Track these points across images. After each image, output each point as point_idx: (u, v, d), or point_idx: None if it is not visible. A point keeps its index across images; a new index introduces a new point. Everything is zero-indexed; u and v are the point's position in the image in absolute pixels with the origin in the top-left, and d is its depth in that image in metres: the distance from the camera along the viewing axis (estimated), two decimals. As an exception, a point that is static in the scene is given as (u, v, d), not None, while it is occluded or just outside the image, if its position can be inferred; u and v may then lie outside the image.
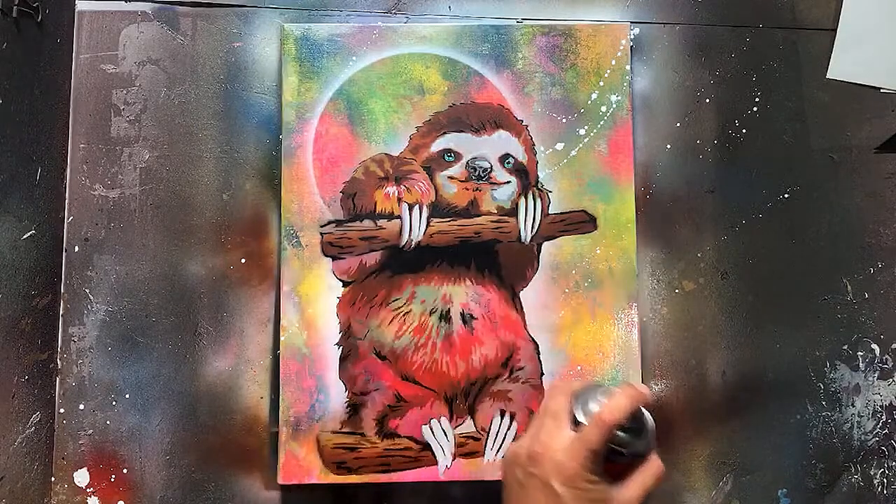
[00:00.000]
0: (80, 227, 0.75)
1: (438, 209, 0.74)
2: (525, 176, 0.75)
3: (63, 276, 0.75)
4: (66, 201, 0.75)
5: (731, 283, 0.77)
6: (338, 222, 0.74)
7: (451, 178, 0.75)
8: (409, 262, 0.74)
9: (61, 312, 0.75)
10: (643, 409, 0.58)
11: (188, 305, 0.75)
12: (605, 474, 0.55)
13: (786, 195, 0.78)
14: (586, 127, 0.75)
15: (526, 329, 0.74)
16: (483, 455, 0.73)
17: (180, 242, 0.76)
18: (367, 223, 0.74)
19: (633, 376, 0.73)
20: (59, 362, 0.74)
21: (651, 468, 0.57)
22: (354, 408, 0.73)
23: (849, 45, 0.78)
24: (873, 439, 0.76)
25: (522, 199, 0.75)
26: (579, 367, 0.74)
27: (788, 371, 0.77)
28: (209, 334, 0.75)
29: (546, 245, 0.75)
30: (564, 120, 0.75)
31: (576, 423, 0.56)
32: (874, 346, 0.77)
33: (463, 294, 0.74)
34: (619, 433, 0.55)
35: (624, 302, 0.74)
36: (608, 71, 0.76)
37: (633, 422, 0.56)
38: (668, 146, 0.78)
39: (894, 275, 0.77)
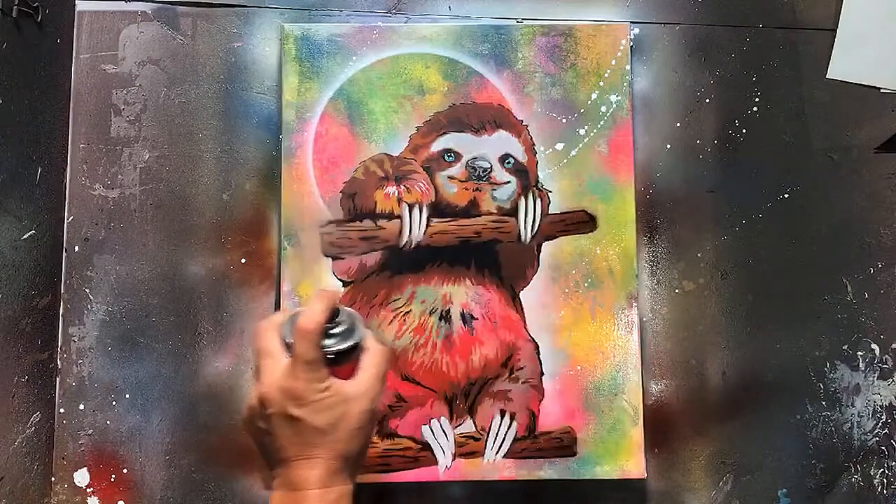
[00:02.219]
0: (80, 227, 0.75)
1: (438, 209, 0.74)
2: (525, 176, 0.75)
3: (63, 276, 0.75)
4: (66, 201, 0.75)
5: (731, 283, 0.77)
6: (338, 222, 0.74)
7: (451, 178, 0.75)
8: (409, 262, 0.74)
9: (61, 312, 0.75)
10: (341, 307, 0.57)
11: (188, 305, 0.75)
12: (338, 378, 0.55)
13: (786, 195, 0.78)
14: (586, 127, 0.75)
15: (526, 329, 0.74)
16: (483, 455, 0.73)
17: (180, 242, 0.76)
18: (367, 223, 0.74)
19: (633, 376, 0.73)
20: (59, 362, 0.74)
21: (375, 353, 0.57)
22: (354, 408, 0.73)
23: (849, 45, 0.78)
24: (873, 439, 0.76)
25: (522, 199, 0.75)
26: (579, 367, 0.74)
27: (788, 371, 0.77)
28: (209, 334, 0.75)
29: (546, 245, 0.75)
30: (564, 120, 0.75)
31: (290, 349, 0.55)
32: (874, 346, 0.77)
33: (463, 294, 0.74)
34: (326, 340, 0.55)
35: (624, 302, 0.74)
36: (608, 71, 0.76)
37: (337, 322, 0.56)
38: (668, 146, 0.78)
39: (894, 275, 0.77)
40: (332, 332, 0.55)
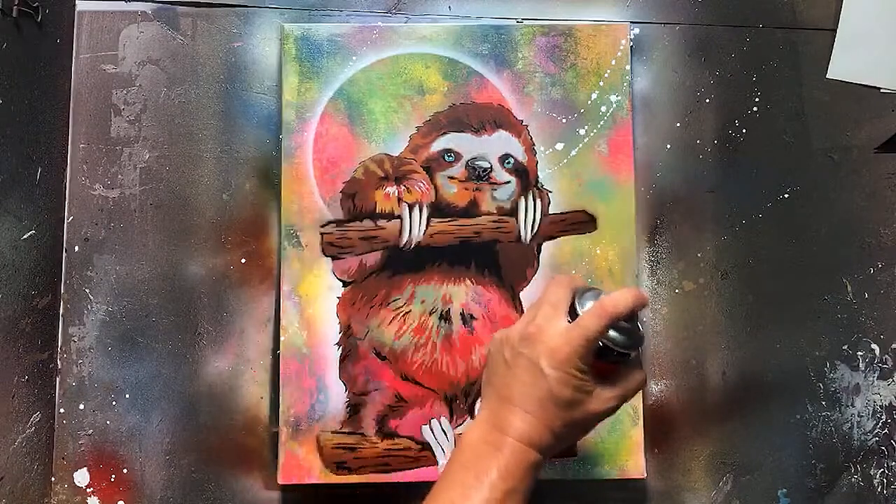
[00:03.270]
0: (80, 227, 0.75)
1: (438, 209, 0.74)
2: (525, 176, 0.75)
3: (63, 276, 0.75)
4: (66, 201, 0.75)
5: (731, 283, 0.77)
6: (338, 222, 0.74)
7: (451, 178, 0.75)
8: (409, 262, 0.74)
9: (61, 312, 0.75)
10: (639, 316, 0.58)
11: (188, 305, 0.75)
12: (591, 370, 0.55)
13: (786, 195, 0.78)
14: (586, 127, 0.75)
15: (526, 329, 0.74)
16: (483, 455, 0.73)
17: (180, 242, 0.76)
18: (367, 223, 0.74)
19: (633, 376, 0.73)
20: (59, 362, 0.74)
21: (634, 376, 0.58)
22: (354, 408, 0.73)
23: (849, 45, 0.78)
24: (873, 439, 0.76)
25: (522, 199, 0.75)
26: (579, 367, 0.74)
27: (788, 371, 0.77)
28: (209, 334, 0.75)
29: (546, 245, 0.75)
30: (564, 120, 0.75)
31: (573, 317, 0.56)
32: (874, 346, 0.77)
33: (463, 294, 0.74)
34: (612, 332, 0.55)
35: (624, 302, 0.74)
36: (608, 71, 0.76)
37: (628, 323, 0.56)
38: (668, 146, 0.78)
39: (894, 275, 0.77)
40: (619, 327, 0.56)
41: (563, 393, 0.54)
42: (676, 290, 0.77)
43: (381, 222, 0.74)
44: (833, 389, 0.76)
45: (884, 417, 0.76)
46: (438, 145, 0.75)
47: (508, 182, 0.75)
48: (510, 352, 0.56)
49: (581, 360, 0.54)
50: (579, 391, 0.55)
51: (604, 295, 0.57)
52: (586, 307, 0.56)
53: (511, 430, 0.54)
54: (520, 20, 0.78)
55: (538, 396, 0.54)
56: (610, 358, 0.56)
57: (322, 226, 0.74)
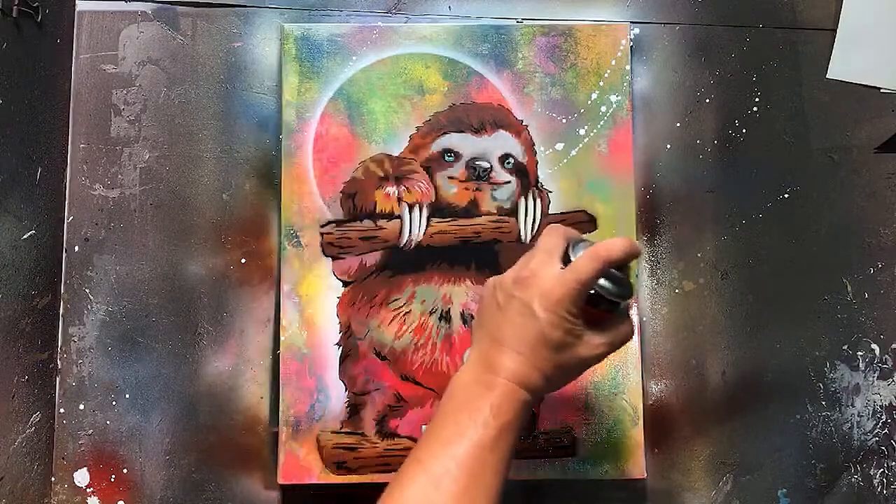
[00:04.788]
0: (80, 227, 0.75)
1: (438, 209, 0.74)
2: (525, 176, 0.75)
3: (63, 276, 0.75)
4: (66, 201, 0.75)
5: (731, 283, 0.77)
6: (338, 222, 0.74)
7: (451, 178, 0.75)
8: (409, 262, 0.74)
9: (61, 312, 0.75)
10: (630, 268, 0.59)
11: (188, 305, 0.75)
12: (582, 316, 0.56)
13: (786, 195, 0.78)
14: (586, 127, 0.75)
15: (526, 329, 0.74)
16: (483, 455, 0.73)
17: (180, 242, 0.76)
18: (367, 223, 0.74)
19: (633, 376, 0.73)
20: (59, 362, 0.74)
21: (623, 326, 0.58)
22: (354, 408, 0.73)
23: (849, 45, 0.78)
24: (873, 439, 0.76)
25: (522, 199, 0.75)
26: (579, 367, 0.74)
27: (788, 371, 0.77)
28: (209, 334, 0.75)
29: (546, 245, 0.75)
30: (564, 120, 0.75)
31: (567, 264, 0.57)
32: (874, 346, 0.77)
33: (463, 294, 0.74)
34: (604, 281, 0.56)
35: (624, 302, 0.74)
36: (608, 71, 0.76)
37: (619, 273, 0.57)
38: (668, 146, 0.78)
39: (894, 275, 0.77)
40: (611, 276, 0.56)
41: (553, 335, 0.55)
42: (676, 290, 0.77)
43: (381, 222, 0.74)
44: (833, 389, 0.76)
45: (884, 417, 0.76)
46: (438, 145, 0.75)
47: (508, 182, 0.75)
48: (503, 295, 0.57)
49: (573, 303, 0.55)
50: (570, 335, 0.55)
51: (595, 242, 0.58)
52: (579, 255, 0.57)
53: (502, 370, 0.55)
54: (520, 20, 0.78)
55: (529, 338, 0.55)
56: (601, 306, 0.57)
57: (322, 226, 0.74)
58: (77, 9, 0.77)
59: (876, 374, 0.76)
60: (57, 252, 0.74)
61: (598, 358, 0.57)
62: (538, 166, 0.75)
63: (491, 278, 0.59)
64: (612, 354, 0.73)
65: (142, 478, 0.74)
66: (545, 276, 0.56)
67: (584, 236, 0.61)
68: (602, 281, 0.56)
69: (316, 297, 0.73)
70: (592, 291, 0.56)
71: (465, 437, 0.53)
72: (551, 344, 0.55)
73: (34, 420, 0.71)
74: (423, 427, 0.73)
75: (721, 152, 0.78)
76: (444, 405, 0.56)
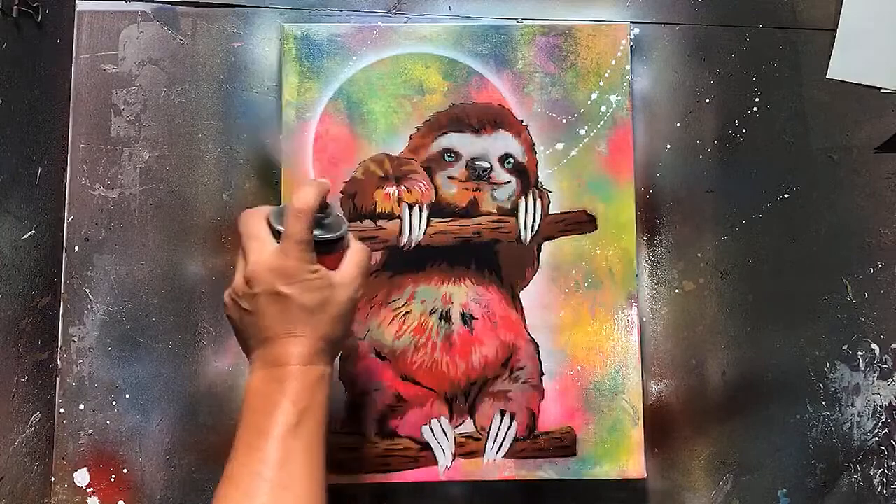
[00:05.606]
0: (80, 227, 0.75)
1: (438, 209, 0.74)
2: (525, 176, 0.75)
3: (63, 276, 0.75)
4: (66, 201, 0.75)
5: (731, 283, 0.77)
6: (338, 222, 0.74)
7: (451, 178, 0.75)
8: (409, 262, 0.74)
9: (61, 312, 0.75)
10: (329, 203, 0.60)
11: (188, 305, 0.75)
12: (321, 266, 0.57)
13: (786, 195, 0.78)
14: (586, 127, 0.75)
15: (526, 329, 0.74)
16: (483, 455, 0.73)
17: (180, 242, 0.76)
18: (367, 223, 0.74)
19: (633, 376, 0.73)
20: (59, 362, 0.74)
21: (358, 250, 0.60)
22: (354, 408, 0.73)
23: (849, 45, 0.78)
24: (873, 439, 0.76)
25: (522, 199, 0.75)
26: (579, 367, 0.74)
27: (788, 371, 0.77)
28: (209, 334, 0.75)
29: (546, 245, 0.75)
30: (564, 120, 0.75)
31: (277, 236, 0.57)
32: (874, 346, 0.77)
33: (463, 294, 0.74)
34: (316, 230, 0.57)
35: (624, 302, 0.74)
36: (608, 71, 0.76)
37: (326, 213, 0.59)
38: (668, 146, 0.78)
39: (894, 275, 0.77)
40: (322, 222, 0.58)
41: (310, 300, 0.56)
42: (676, 290, 0.77)
43: (381, 222, 0.74)
44: (833, 389, 0.76)
45: (884, 417, 0.76)
46: (438, 145, 0.75)
47: (508, 182, 0.75)
48: (246, 300, 0.57)
49: (307, 263, 0.56)
50: (323, 289, 0.56)
51: (287, 206, 0.58)
52: (283, 221, 0.57)
53: (290, 358, 0.55)
54: (520, 20, 0.78)
55: (293, 318, 0.56)
56: (326, 250, 0.58)
57: (322, 226, 0.74)
58: (77, 9, 0.77)
59: (876, 374, 0.76)
60: (57, 252, 0.74)
61: (359, 289, 0.58)
62: (538, 166, 0.75)
63: (225, 296, 0.59)
64: (612, 355, 0.74)
65: (142, 478, 0.74)
66: (268, 258, 0.56)
67: (273, 206, 0.61)
68: (315, 231, 0.57)
69: (316, 297, 0.73)
70: (315, 242, 0.57)
71: (268, 436, 0.53)
72: (314, 309, 0.56)
73: (34, 420, 0.71)
74: (423, 427, 0.73)
75: (721, 152, 0.78)
76: (244, 411, 0.56)
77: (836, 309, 0.77)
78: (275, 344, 0.56)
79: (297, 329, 0.56)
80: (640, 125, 0.78)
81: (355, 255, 0.59)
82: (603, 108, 0.75)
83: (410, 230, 0.74)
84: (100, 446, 0.74)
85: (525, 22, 0.78)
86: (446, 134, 0.75)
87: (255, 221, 0.59)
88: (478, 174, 0.74)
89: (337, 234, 0.59)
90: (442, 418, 0.73)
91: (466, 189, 0.74)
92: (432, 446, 0.73)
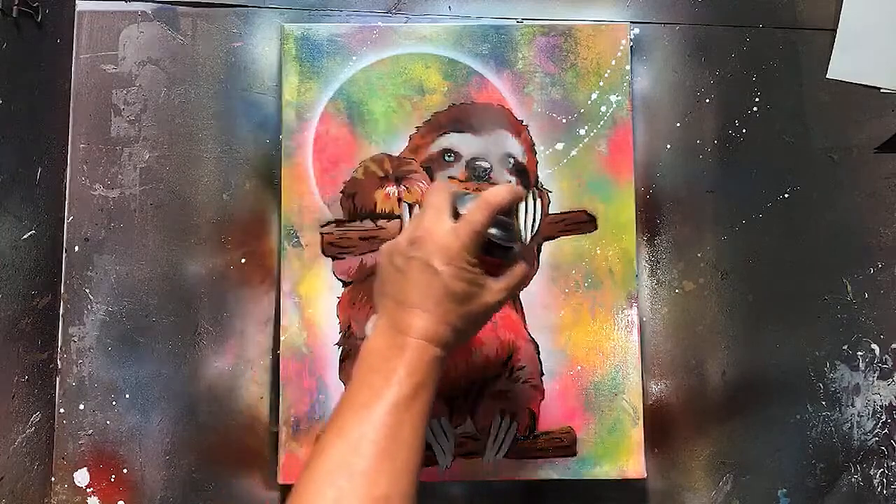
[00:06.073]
0: (80, 227, 0.75)
1: (438, 209, 0.74)
2: (525, 176, 0.75)
3: (63, 276, 0.75)
4: (66, 201, 0.75)
5: (731, 283, 0.77)
6: (338, 222, 0.74)
7: (451, 178, 0.75)
8: (409, 262, 0.74)
9: (61, 312, 0.75)
10: (516, 215, 0.61)
11: (188, 305, 0.75)
12: (480, 265, 0.58)
13: (786, 195, 0.78)
14: (586, 127, 0.75)
15: (526, 329, 0.74)
16: (483, 455, 0.73)
17: (180, 242, 0.76)
18: (367, 223, 0.74)
19: (633, 376, 0.73)
20: (59, 362, 0.74)
21: (519, 268, 0.60)
22: (354, 408, 0.73)
23: (849, 45, 0.78)
24: (873, 439, 0.76)
25: (522, 199, 0.74)
26: (579, 367, 0.74)
27: (788, 371, 0.77)
28: (209, 334, 0.75)
29: (546, 245, 0.75)
30: (564, 120, 0.75)
31: (456, 218, 0.58)
32: (874, 346, 0.77)
33: (463, 294, 0.74)
34: (494, 229, 0.58)
35: (624, 302, 0.74)
36: (608, 71, 0.76)
37: (507, 219, 0.59)
38: (668, 146, 0.78)
39: (894, 275, 0.77)
40: (502, 225, 0.59)
41: (457, 287, 0.56)
42: (676, 290, 0.77)
43: (382, 222, 0.74)
44: (833, 389, 0.76)
45: (884, 417, 0.76)
46: (438, 145, 0.75)
47: (508, 182, 0.75)
48: (401, 258, 0.57)
49: (470, 253, 0.56)
50: (472, 284, 0.57)
51: (477, 194, 0.59)
52: (467, 207, 0.58)
53: (412, 330, 0.56)
54: (520, 20, 0.78)
55: (434, 294, 0.56)
56: (495, 253, 0.59)
57: (322, 226, 0.74)
58: (77, 9, 0.77)
59: (876, 374, 0.76)
60: (57, 252, 0.74)
61: (500, 304, 0.59)
62: (538, 166, 0.75)
63: (384, 245, 0.60)
64: (612, 355, 0.74)
65: (142, 478, 0.74)
66: (439, 231, 0.57)
67: (466, 190, 0.62)
68: (493, 230, 0.58)
69: (316, 297, 0.73)
70: (486, 240, 0.58)
71: (380, 399, 0.53)
72: (456, 296, 0.56)
73: (34, 420, 0.71)
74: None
75: (721, 152, 0.78)
76: (357, 372, 0.56)
77: (836, 309, 0.77)
78: (405, 311, 0.56)
79: (431, 306, 0.56)
80: (640, 125, 0.78)
81: (516, 272, 0.60)
82: (603, 108, 0.75)
83: (410, 230, 0.74)
84: (100, 446, 0.74)
85: (525, 22, 0.78)
86: (446, 134, 0.75)
87: (442, 194, 0.59)
88: (478, 174, 0.75)
89: (508, 242, 0.59)
90: (442, 418, 0.73)
91: (467, 189, 0.74)
92: (432, 446, 0.73)
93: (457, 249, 0.56)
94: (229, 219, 0.76)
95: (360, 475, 0.51)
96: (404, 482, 0.52)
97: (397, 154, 0.75)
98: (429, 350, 0.56)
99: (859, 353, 0.77)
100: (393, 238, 0.72)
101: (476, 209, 0.57)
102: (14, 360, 0.69)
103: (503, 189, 0.58)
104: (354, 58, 0.75)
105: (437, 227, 0.57)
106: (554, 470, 0.73)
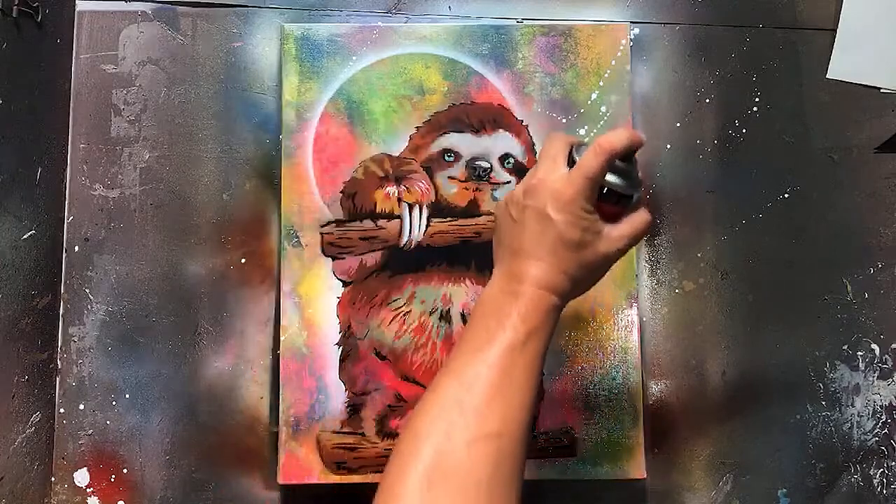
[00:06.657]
0: (80, 227, 0.75)
1: (438, 209, 0.74)
2: (525, 176, 0.75)
3: (63, 276, 0.75)
4: (66, 201, 0.75)
5: (731, 283, 0.77)
6: (338, 222, 0.74)
7: (451, 178, 0.75)
8: (409, 262, 0.74)
9: (61, 312, 0.75)
10: (635, 159, 0.58)
11: (188, 305, 0.75)
12: (597, 212, 0.56)
13: (786, 195, 0.78)
14: (586, 127, 0.75)
15: (526, 329, 0.74)
16: (483, 455, 0.73)
17: (180, 242, 0.76)
18: (367, 223, 0.74)
19: (633, 376, 0.73)
20: (59, 362, 0.74)
21: (640, 216, 0.58)
22: (354, 408, 0.73)
23: (849, 45, 0.78)
24: (873, 439, 0.76)
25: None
26: (579, 367, 0.74)
27: (788, 371, 0.77)
28: (209, 334, 0.75)
29: (546, 245, 0.75)
30: (564, 120, 0.75)
31: (572, 167, 0.56)
32: (874, 346, 0.77)
33: (463, 294, 0.74)
34: (611, 177, 0.56)
35: (624, 302, 0.74)
36: (608, 71, 0.76)
37: (625, 165, 0.57)
38: (668, 146, 0.78)
39: (894, 275, 0.77)
40: (622, 172, 0.56)
41: (572, 235, 0.55)
42: (676, 290, 0.77)
43: (381, 222, 0.74)
44: (833, 389, 0.76)
45: (884, 417, 0.76)
46: (438, 145, 0.75)
47: (508, 182, 0.75)
48: (516, 207, 0.57)
49: (586, 200, 0.55)
50: (588, 232, 0.55)
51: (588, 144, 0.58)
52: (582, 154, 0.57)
53: (527, 277, 0.55)
54: (520, 20, 0.78)
55: (549, 242, 0.55)
56: (613, 201, 0.57)
57: (322, 226, 0.74)
58: (77, 9, 0.77)
59: (876, 374, 0.76)
60: (57, 252, 0.75)
61: (621, 252, 0.57)
62: (538, 166, 0.75)
63: (504, 195, 0.60)
64: (612, 355, 0.74)
65: (142, 478, 0.74)
66: (553, 179, 0.56)
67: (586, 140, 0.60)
68: (610, 177, 0.56)
69: (316, 297, 0.73)
70: (605, 189, 0.56)
71: (495, 342, 0.53)
72: (571, 244, 0.55)
73: (34, 420, 0.71)
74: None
75: (721, 152, 0.78)
76: (473, 318, 0.56)
77: (836, 309, 0.77)
78: (520, 260, 0.56)
79: (545, 255, 0.55)
80: (640, 125, 0.77)
81: (636, 220, 0.57)
82: (603, 108, 0.75)
83: (410, 230, 0.74)
84: (100, 446, 0.74)
85: (525, 22, 0.78)
86: (446, 134, 0.75)
87: (558, 144, 0.58)
88: (478, 174, 0.75)
89: (627, 190, 0.57)
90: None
91: (466, 189, 0.74)
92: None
93: (571, 196, 0.55)
94: (229, 219, 0.76)
95: (473, 411, 0.51)
96: (516, 423, 0.52)
97: (397, 154, 0.75)
98: (544, 298, 0.55)
99: (859, 353, 0.77)
100: (393, 238, 0.72)
101: (590, 154, 0.55)
102: (14, 360, 0.69)
103: (619, 132, 0.56)
104: (354, 58, 0.75)
105: (550, 175, 0.56)
106: (554, 470, 0.73)
